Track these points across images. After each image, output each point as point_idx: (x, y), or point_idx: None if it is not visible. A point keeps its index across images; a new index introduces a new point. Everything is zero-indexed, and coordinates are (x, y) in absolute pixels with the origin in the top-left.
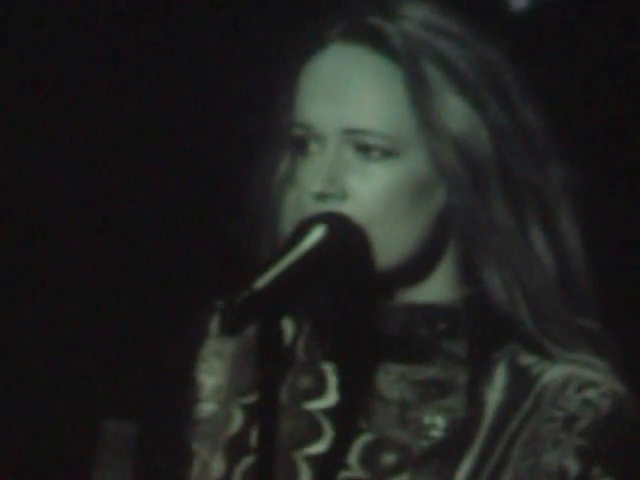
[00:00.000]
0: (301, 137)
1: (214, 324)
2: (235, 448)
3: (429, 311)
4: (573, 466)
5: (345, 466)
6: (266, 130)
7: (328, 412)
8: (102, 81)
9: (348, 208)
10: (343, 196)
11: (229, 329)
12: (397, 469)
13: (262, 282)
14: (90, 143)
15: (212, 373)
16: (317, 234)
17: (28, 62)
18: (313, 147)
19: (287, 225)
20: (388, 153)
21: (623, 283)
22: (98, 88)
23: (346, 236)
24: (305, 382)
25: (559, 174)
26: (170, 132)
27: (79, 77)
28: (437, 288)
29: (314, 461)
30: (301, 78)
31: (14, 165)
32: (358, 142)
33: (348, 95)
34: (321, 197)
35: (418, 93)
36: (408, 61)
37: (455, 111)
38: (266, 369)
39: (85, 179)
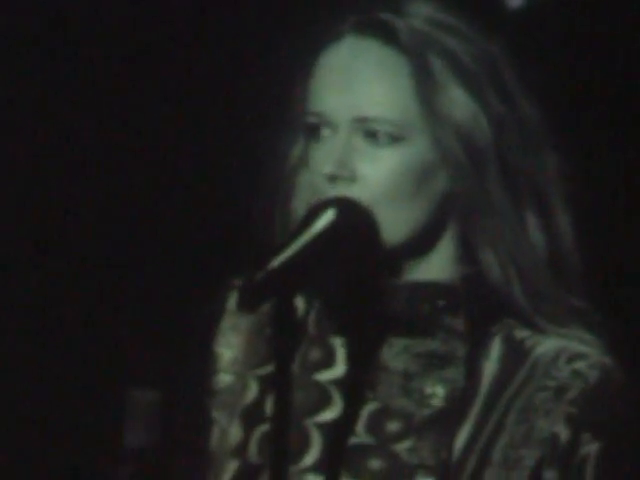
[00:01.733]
0: (314, 124)
1: (232, 301)
2: (251, 416)
3: (430, 289)
4: (563, 432)
5: (353, 433)
6: (282, 117)
7: (337, 382)
8: (129, 57)
9: (357, 190)
10: (352, 179)
11: (247, 306)
12: (401, 435)
13: (277, 262)
14: (125, 121)
15: (229, 346)
16: (327, 217)
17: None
18: (325, 132)
19: (300, 205)
20: (395, 138)
21: (610, 264)
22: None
23: (354, 219)
24: (315, 355)
25: (553, 162)
26: (194, 118)
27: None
28: (437, 267)
29: (324, 428)
30: (315, 69)
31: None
32: (367, 129)
33: (359, 86)
34: (332, 179)
35: (424, 84)
36: (415, 54)
37: (458, 101)
38: (280, 343)
39: (111, 157)
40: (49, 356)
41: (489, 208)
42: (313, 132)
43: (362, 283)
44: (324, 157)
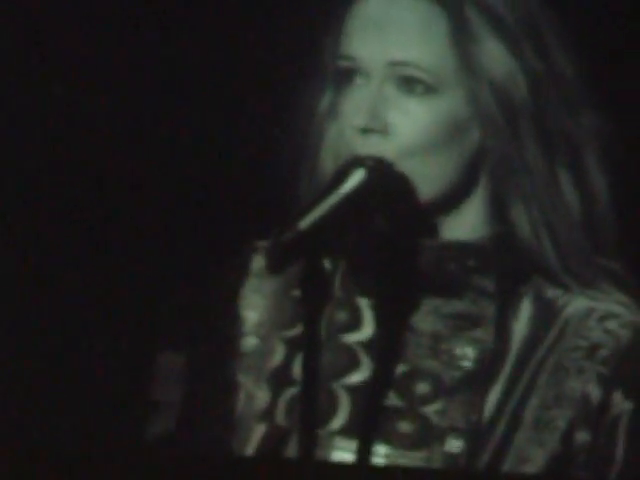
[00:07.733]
0: (347, 68)
1: (255, 263)
2: (278, 379)
3: (460, 249)
4: (595, 392)
5: (382, 395)
6: (311, 66)
7: (364, 344)
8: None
9: (388, 143)
10: (384, 131)
11: (275, 267)
12: (430, 398)
13: (306, 223)
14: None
15: (254, 309)
16: (357, 177)
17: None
18: (358, 80)
19: (328, 160)
20: (429, 89)
21: None
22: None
23: (385, 179)
24: (342, 316)
25: (590, 121)
26: (217, 69)
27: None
28: (467, 225)
29: (353, 391)
30: (349, 17)
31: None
32: (402, 74)
33: (394, 32)
34: (364, 131)
35: (460, 36)
36: (452, 6)
37: (494, 56)
38: (308, 304)
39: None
40: (72, 322)
41: (522, 166)
42: (345, 79)
43: (390, 243)
44: (355, 108)
